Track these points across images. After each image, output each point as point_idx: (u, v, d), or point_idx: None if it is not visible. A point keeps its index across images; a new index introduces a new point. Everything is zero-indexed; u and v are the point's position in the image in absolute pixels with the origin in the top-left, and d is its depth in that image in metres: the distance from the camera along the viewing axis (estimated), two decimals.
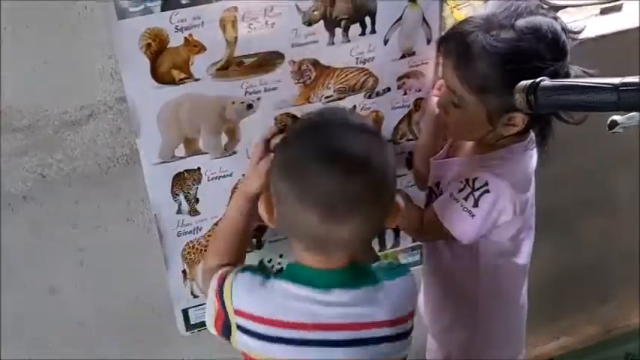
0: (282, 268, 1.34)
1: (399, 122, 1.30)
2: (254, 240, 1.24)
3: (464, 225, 1.17)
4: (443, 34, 1.20)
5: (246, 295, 0.97)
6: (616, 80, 0.85)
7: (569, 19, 1.32)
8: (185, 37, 1.06)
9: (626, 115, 1.08)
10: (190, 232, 1.24)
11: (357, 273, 0.97)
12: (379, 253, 1.40)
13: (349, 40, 1.16)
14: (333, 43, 1.15)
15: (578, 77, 1.09)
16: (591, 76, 1.07)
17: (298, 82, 1.17)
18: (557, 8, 1.24)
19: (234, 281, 0.98)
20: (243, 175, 1.20)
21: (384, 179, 0.94)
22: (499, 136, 1.16)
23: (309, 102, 1.20)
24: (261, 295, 0.96)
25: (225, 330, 0.99)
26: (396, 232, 1.40)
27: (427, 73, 1.25)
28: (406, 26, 1.19)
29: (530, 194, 1.22)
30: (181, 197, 1.20)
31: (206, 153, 1.18)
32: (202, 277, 1.16)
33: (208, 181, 1.20)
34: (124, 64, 1.06)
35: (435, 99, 1.24)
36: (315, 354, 0.95)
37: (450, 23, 1.28)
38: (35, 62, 1.05)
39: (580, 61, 1.12)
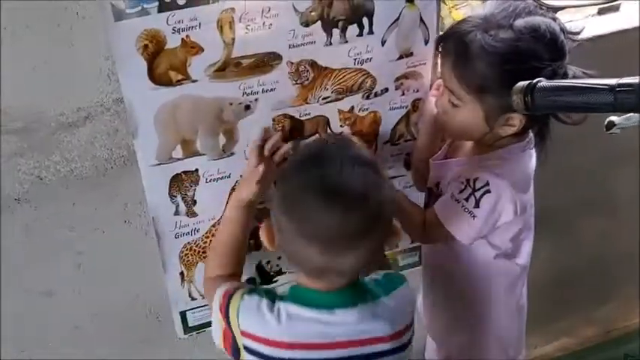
0: (280, 269, 1.35)
1: (397, 123, 1.29)
2: (252, 241, 1.24)
3: (465, 226, 1.17)
4: (441, 33, 1.20)
5: (254, 319, 1.00)
6: (613, 81, 0.84)
7: (566, 19, 1.32)
8: (182, 39, 1.06)
9: (624, 116, 1.07)
10: (188, 233, 1.24)
11: (356, 292, 1.01)
12: None
13: (347, 41, 1.16)
14: (330, 44, 1.15)
15: (576, 78, 1.09)
16: (590, 76, 1.07)
17: (296, 83, 1.17)
18: (556, 9, 1.23)
19: (242, 304, 1.00)
20: (241, 176, 1.20)
21: (382, 212, 0.96)
22: (497, 136, 1.16)
23: (307, 103, 1.20)
24: (268, 319, 0.98)
25: (235, 352, 1.02)
26: None
27: (425, 73, 1.25)
28: (404, 27, 1.18)
29: (530, 194, 1.22)
30: (179, 199, 1.20)
31: (204, 154, 1.18)
32: (204, 286, 1.21)
33: (206, 182, 1.20)
34: (121, 66, 1.05)
35: (434, 99, 1.24)
36: None
37: (448, 23, 1.28)
38: (32, 64, 1.04)
39: (578, 61, 1.12)
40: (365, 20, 1.15)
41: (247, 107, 1.16)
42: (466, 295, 1.29)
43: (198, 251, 1.26)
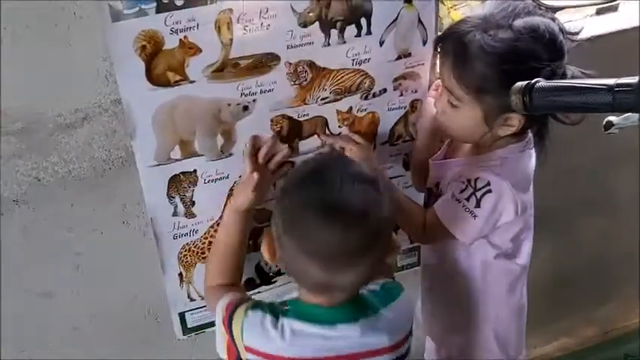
0: (280, 269, 1.34)
1: (396, 123, 1.29)
2: (250, 243, 1.23)
3: (466, 226, 1.17)
4: (440, 34, 1.19)
5: (258, 335, 1.00)
6: (611, 81, 0.84)
7: (565, 19, 1.32)
8: (180, 39, 1.06)
9: (622, 116, 1.07)
10: (186, 234, 1.24)
11: (357, 307, 1.02)
12: None
13: (345, 42, 1.16)
14: (328, 45, 1.15)
15: (575, 78, 1.09)
16: (589, 76, 1.07)
17: (294, 84, 1.17)
18: (555, 9, 1.23)
19: (245, 320, 1.01)
20: (240, 176, 1.20)
21: (382, 228, 0.97)
22: (496, 136, 1.16)
23: (305, 103, 1.19)
24: (273, 336, 0.99)
25: None
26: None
27: (423, 74, 1.25)
28: (402, 27, 1.18)
29: (530, 194, 1.22)
30: (177, 200, 1.20)
31: (202, 155, 1.18)
32: (205, 295, 1.23)
33: (204, 183, 1.20)
34: (118, 67, 1.05)
35: (432, 100, 1.24)
36: None
37: (446, 23, 1.28)
38: (29, 64, 1.04)
39: (577, 61, 1.12)
40: (363, 21, 1.15)
41: (245, 108, 1.16)
42: (466, 295, 1.29)
43: (197, 252, 1.26)
